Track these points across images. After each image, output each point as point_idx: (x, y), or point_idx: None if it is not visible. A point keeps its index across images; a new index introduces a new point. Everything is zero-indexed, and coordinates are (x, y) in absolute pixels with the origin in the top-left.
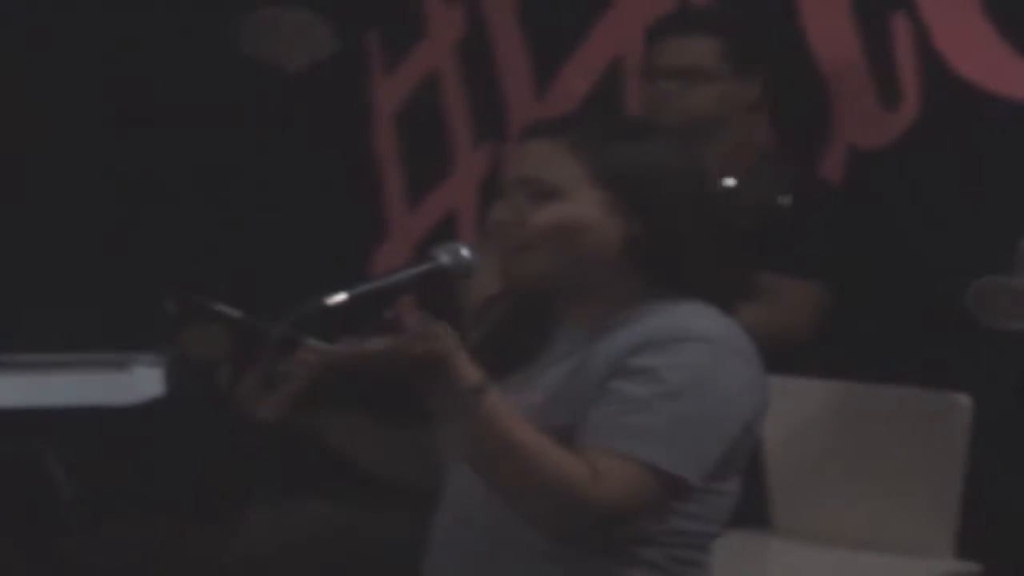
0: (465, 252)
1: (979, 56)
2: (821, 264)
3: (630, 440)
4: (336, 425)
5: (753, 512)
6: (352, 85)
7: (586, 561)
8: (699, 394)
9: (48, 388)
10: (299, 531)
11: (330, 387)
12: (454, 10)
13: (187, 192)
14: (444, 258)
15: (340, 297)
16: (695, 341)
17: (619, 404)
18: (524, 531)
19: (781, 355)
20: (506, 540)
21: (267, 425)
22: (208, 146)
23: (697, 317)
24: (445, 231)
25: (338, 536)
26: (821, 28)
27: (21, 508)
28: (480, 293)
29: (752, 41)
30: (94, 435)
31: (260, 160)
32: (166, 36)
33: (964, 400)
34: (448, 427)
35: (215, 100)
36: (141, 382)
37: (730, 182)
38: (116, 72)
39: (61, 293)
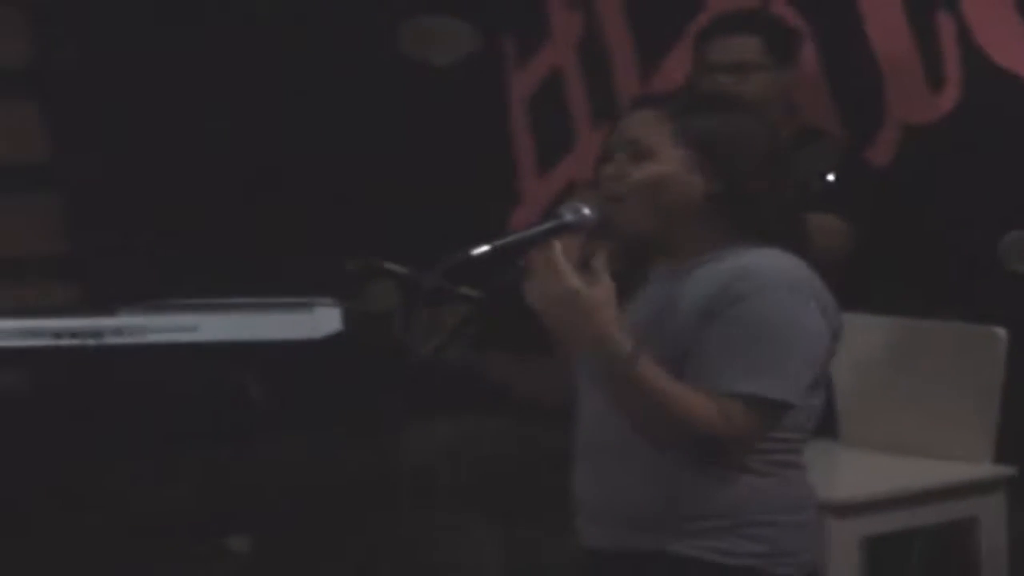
0: (586, 210)
1: (1012, 48)
2: (861, 237)
3: (746, 381)
4: (485, 358)
5: (825, 426)
6: (492, 78)
7: (702, 470)
8: (788, 331)
9: (250, 325)
10: (452, 445)
11: (478, 328)
12: (574, 14)
13: (361, 169)
14: (568, 216)
15: (483, 249)
16: (775, 287)
17: (726, 352)
18: (651, 447)
19: (848, 295)
20: (636, 454)
21: (431, 360)
22: (378, 131)
23: (772, 262)
24: (568, 196)
25: (488, 449)
26: (878, 25)
27: (228, 423)
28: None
29: (787, 35)
30: (286, 364)
31: (418, 141)
32: (344, 41)
33: (1001, 333)
34: (580, 359)
35: (382, 91)
36: (322, 320)
37: None
38: (308, 74)
39: (263, 252)
